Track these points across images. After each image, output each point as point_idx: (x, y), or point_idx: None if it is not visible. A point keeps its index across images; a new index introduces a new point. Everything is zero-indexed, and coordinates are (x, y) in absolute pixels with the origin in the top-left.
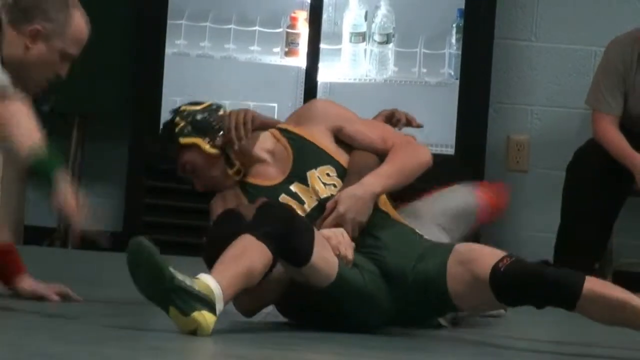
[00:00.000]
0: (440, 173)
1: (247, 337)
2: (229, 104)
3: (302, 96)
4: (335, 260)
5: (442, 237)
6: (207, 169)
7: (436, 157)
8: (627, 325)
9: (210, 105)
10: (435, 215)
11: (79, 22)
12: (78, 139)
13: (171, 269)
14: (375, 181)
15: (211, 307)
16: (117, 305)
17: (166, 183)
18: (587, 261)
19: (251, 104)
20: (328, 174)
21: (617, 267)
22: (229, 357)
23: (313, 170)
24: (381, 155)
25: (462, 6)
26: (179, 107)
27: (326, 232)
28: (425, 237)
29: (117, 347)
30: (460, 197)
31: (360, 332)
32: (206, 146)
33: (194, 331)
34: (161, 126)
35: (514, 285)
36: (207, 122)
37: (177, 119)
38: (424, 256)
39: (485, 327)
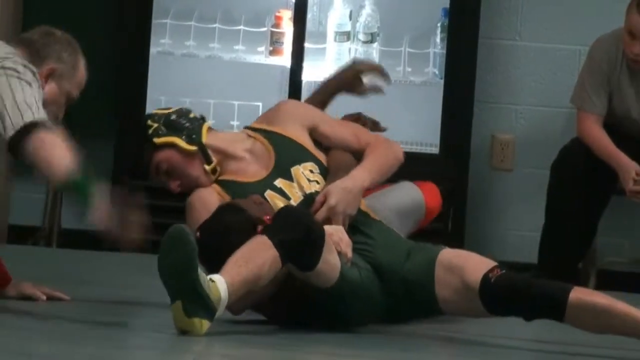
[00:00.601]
0: (425, 172)
1: (235, 337)
2: (213, 103)
3: (287, 95)
4: (338, 262)
5: None
6: (184, 167)
7: (421, 156)
8: (616, 332)
9: (181, 108)
10: (385, 212)
11: (82, 68)
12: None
13: (199, 270)
14: (362, 175)
15: (212, 316)
16: (103, 304)
17: (150, 182)
18: (571, 260)
19: (236, 103)
20: (311, 171)
21: (601, 266)
22: (217, 357)
23: (297, 166)
24: (355, 154)
25: (447, 5)
26: (150, 113)
27: (328, 228)
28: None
29: (103, 347)
30: (409, 194)
31: (352, 329)
32: (183, 143)
33: (186, 331)
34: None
35: (504, 296)
36: (181, 122)
37: (149, 122)
38: (411, 254)
39: (476, 326)
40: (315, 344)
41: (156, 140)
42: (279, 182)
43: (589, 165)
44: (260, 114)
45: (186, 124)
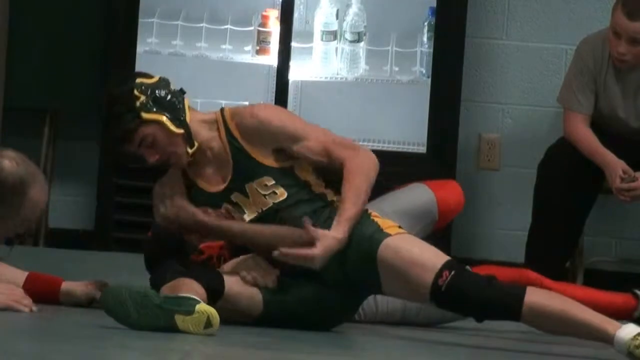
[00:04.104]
0: (412, 171)
1: (221, 338)
2: (200, 102)
3: (274, 94)
4: (254, 292)
5: None
6: (168, 144)
7: (408, 155)
8: (571, 334)
9: (160, 79)
10: (391, 216)
11: (36, 199)
12: (49, 136)
13: (151, 291)
14: (344, 229)
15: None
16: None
17: (137, 181)
18: (558, 259)
19: (223, 102)
20: (266, 185)
21: (588, 265)
22: (202, 356)
23: (251, 183)
24: (327, 166)
25: (434, 4)
26: (132, 78)
27: (242, 272)
28: None
29: (90, 346)
30: (418, 197)
31: (333, 329)
32: (169, 123)
33: (208, 324)
34: (109, 98)
35: (456, 303)
36: (169, 99)
37: (136, 92)
38: (347, 254)
39: (456, 325)
40: (298, 343)
41: (144, 115)
42: (235, 197)
43: (576, 164)
44: None
45: (174, 101)
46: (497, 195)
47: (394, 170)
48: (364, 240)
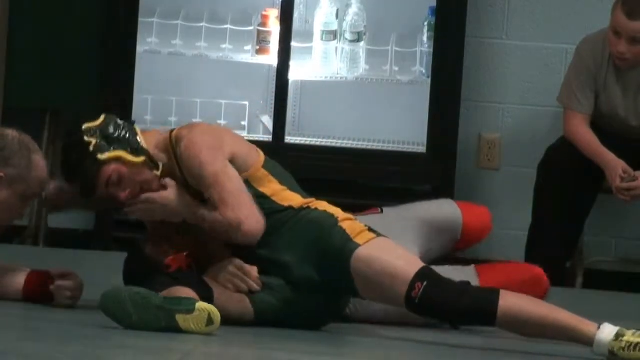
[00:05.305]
0: (412, 171)
1: (220, 337)
2: (200, 102)
3: (274, 94)
4: (242, 297)
5: (414, 249)
6: (134, 177)
7: (408, 155)
8: (548, 337)
9: (106, 117)
10: (412, 222)
11: (40, 166)
12: (49, 136)
13: (150, 292)
14: (199, 211)
15: (194, 301)
16: (90, 304)
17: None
18: (558, 259)
19: (223, 102)
20: None
21: (588, 265)
22: (202, 356)
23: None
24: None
25: (434, 4)
26: (79, 127)
27: (223, 281)
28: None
29: (90, 346)
30: (444, 210)
31: (332, 328)
32: (129, 156)
33: (210, 322)
34: (63, 151)
35: (430, 313)
36: (120, 134)
37: (86, 138)
38: (321, 263)
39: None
40: (297, 343)
41: (101, 156)
42: None
43: (576, 164)
44: (247, 113)
45: (122, 133)
46: (497, 195)
47: (394, 170)
48: (335, 252)
